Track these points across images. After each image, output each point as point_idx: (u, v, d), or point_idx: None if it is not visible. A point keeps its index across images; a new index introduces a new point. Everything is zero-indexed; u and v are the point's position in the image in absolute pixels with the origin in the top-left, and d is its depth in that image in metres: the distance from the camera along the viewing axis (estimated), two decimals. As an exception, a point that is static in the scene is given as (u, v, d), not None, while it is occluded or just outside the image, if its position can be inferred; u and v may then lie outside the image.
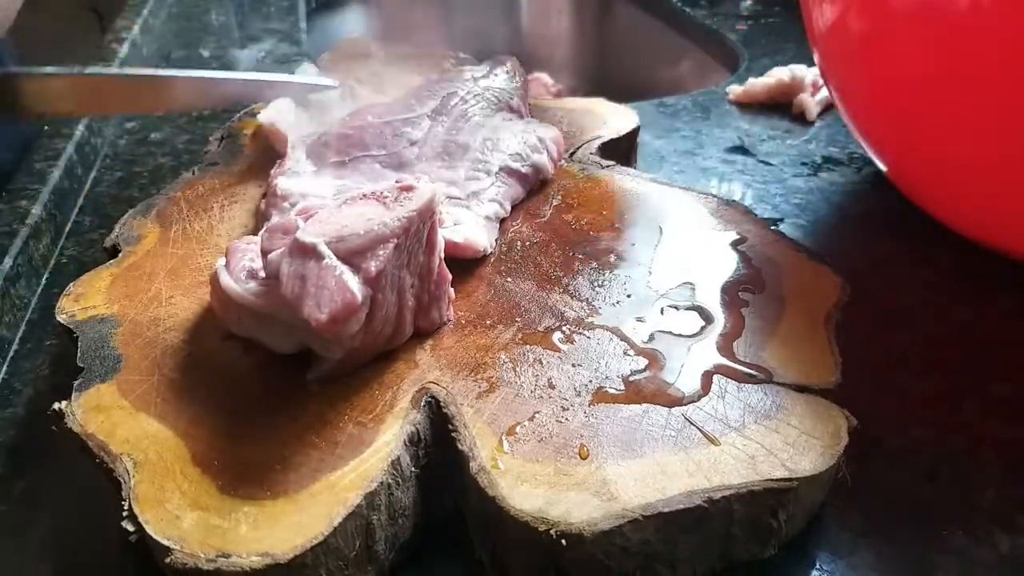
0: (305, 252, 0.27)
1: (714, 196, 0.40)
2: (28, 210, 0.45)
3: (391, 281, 0.29)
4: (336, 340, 0.27)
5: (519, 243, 0.37)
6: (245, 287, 0.29)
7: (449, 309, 0.32)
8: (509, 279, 0.35)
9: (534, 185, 0.41)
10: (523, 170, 0.40)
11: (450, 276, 0.32)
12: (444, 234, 0.33)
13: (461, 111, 0.42)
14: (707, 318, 0.32)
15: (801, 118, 0.58)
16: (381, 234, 0.28)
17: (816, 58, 0.46)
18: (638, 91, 0.88)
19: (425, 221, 0.29)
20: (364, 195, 0.30)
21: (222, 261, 0.31)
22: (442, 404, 0.28)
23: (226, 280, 0.30)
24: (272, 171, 0.40)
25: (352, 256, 0.27)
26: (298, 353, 0.30)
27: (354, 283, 0.27)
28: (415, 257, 0.30)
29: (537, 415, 0.28)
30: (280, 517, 0.24)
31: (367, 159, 0.39)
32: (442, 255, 0.31)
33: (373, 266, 0.27)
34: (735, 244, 0.37)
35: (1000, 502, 0.29)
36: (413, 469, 0.27)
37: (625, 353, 0.31)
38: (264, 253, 0.29)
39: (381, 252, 0.27)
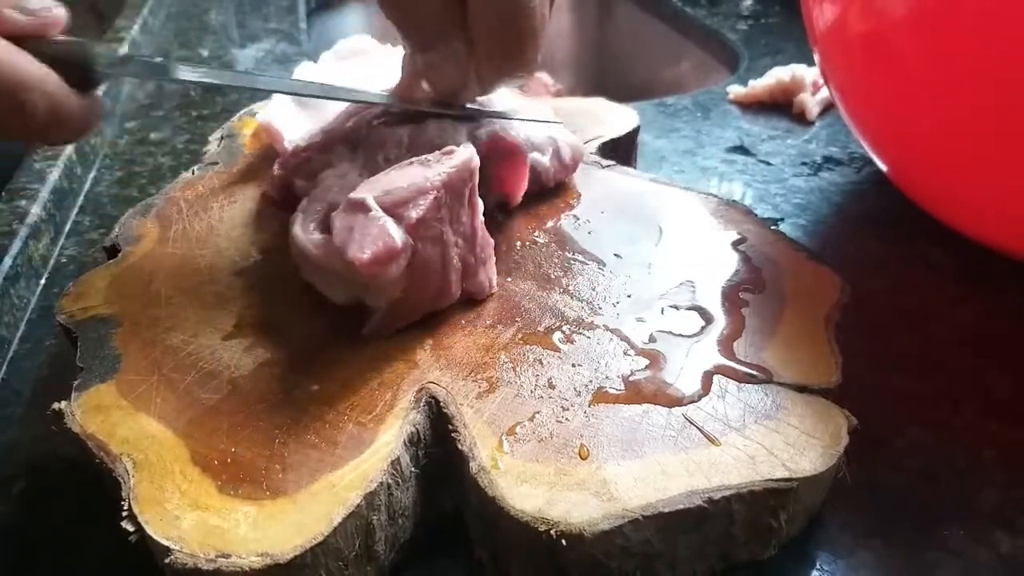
0: (355, 207, 0.30)
1: (714, 196, 0.40)
2: (27, 210, 0.46)
3: (433, 234, 0.31)
4: (379, 284, 0.30)
5: (519, 243, 0.37)
6: (310, 237, 0.32)
7: (494, 276, 0.34)
8: (509, 279, 0.35)
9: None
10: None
11: (492, 241, 0.34)
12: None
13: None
14: (707, 318, 0.32)
15: (801, 118, 0.58)
16: (422, 186, 0.30)
17: (816, 58, 0.46)
18: (638, 91, 0.88)
19: (465, 180, 0.31)
20: (411, 162, 0.32)
21: (302, 206, 0.34)
22: (442, 404, 0.28)
23: (295, 228, 0.32)
24: (275, 166, 0.39)
25: (396, 207, 0.30)
26: (298, 354, 0.30)
27: (395, 230, 0.29)
28: (457, 215, 0.32)
29: (537, 415, 0.28)
30: (280, 517, 0.24)
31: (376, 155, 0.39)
32: (482, 219, 0.33)
33: (414, 214, 0.30)
34: (735, 244, 0.37)
35: (1000, 502, 0.29)
36: (413, 469, 0.27)
37: (625, 353, 0.31)
38: (330, 211, 0.32)
39: (422, 202, 0.30)
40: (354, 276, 0.29)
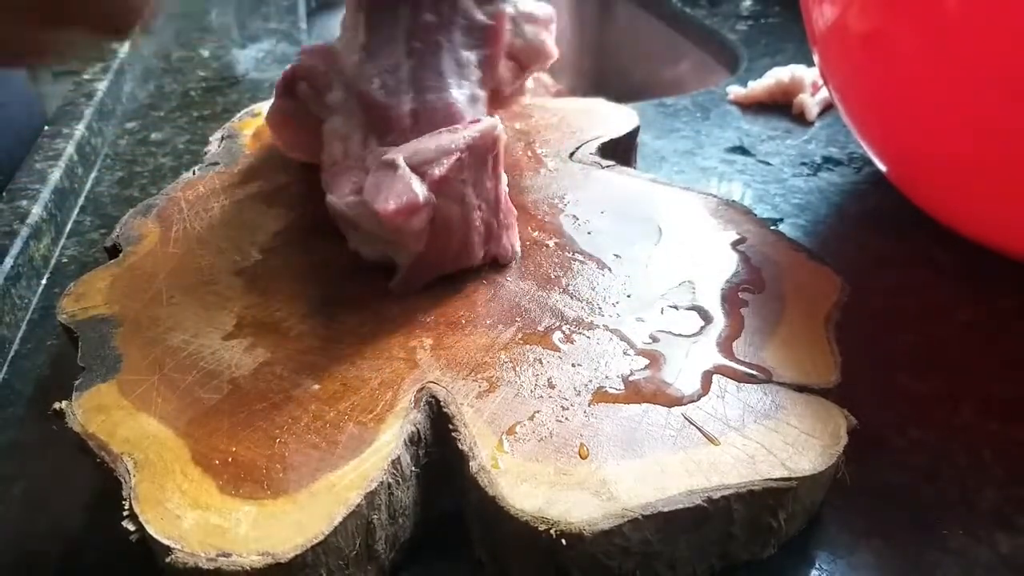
0: (386, 166, 0.32)
1: (714, 196, 0.40)
2: (28, 210, 0.46)
3: (455, 193, 0.33)
4: (403, 237, 0.32)
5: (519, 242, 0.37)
6: (344, 200, 0.34)
7: (517, 243, 0.36)
8: (509, 279, 0.35)
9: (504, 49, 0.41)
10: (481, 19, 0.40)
11: (515, 210, 0.36)
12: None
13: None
14: (707, 318, 0.32)
15: (801, 118, 0.58)
16: (447, 148, 0.33)
17: (816, 58, 0.46)
18: (638, 91, 0.88)
19: (489, 147, 0.33)
20: (440, 131, 0.34)
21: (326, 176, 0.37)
22: (442, 403, 0.28)
23: (329, 196, 0.35)
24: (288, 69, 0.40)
25: (421, 165, 0.32)
26: (298, 354, 0.30)
27: (419, 186, 0.32)
28: (480, 179, 0.34)
29: (537, 415, 0.28)
30: (280, 516, 0.24)
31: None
32: (506, 189, 0.35)
33: (437, 172, 0.32)
34: (735, 244, 0.37)
35: (1000, 502, 0.29)
36: (413, 468, 0.27)
37: (625, 353, 0.31)
38: (367, 174, 0.34)
39: (445, 161, 0.32)
40: (381, 228, 0.32)
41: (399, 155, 0.32)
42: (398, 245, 0.33)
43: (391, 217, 0.31)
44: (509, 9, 0.41)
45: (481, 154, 0.33)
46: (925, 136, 0.38)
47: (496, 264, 0.36)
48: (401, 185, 0.31)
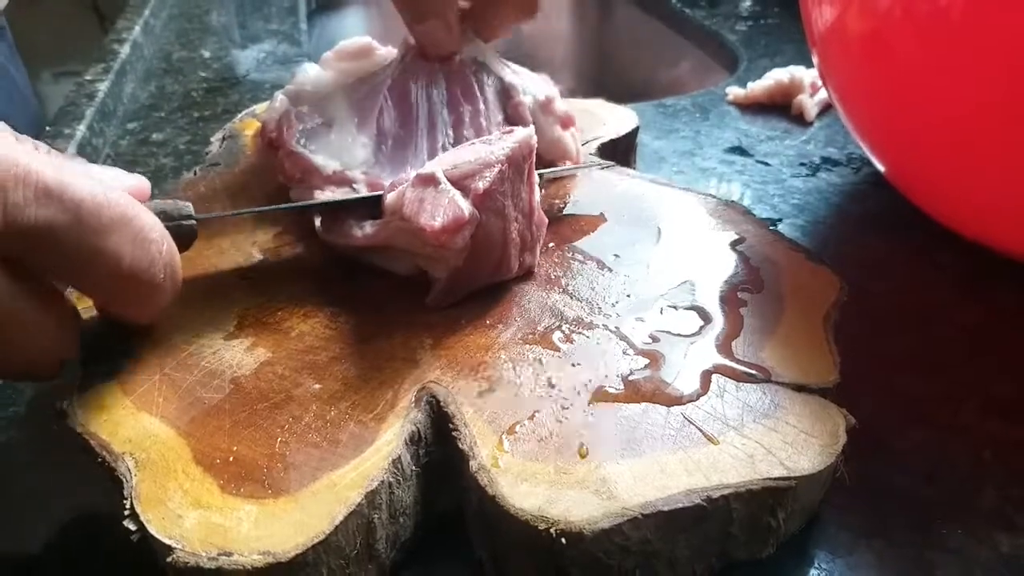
0: (425, 181, 0.32)
1: (713, 196, 0.40)
2: (29, 210, 0.45)
3: (496, 207, 0.32)
4: (446, 252, 0.31)
5: (519, 243, 0.37)
6: (364, 232, 0.34)
7: (538, 254, 0.36)
8: (509, 278, 0.35)
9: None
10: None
11: (546, 220, 0.35)
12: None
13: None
14: (706, 318, 0.32)
15: (800, 119, 0.58)
16: (488, 160, 0.32)
17: (815, 59, 0.46)
18: (638, 91, 0.88)
19: (525, 157, 0.33)
20: (472, 142, 0.35)
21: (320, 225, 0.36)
22: (442, 403, 0.28)
23: (341, 239, 0.35)
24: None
25: (464, 179, 0.32)
26: (300, 353, 0.30)
27: (463, 202, 0.31)
28: (518, 191, 0.33)
29: (537, 414, 0.28)
30: (281, 516, 0.24)
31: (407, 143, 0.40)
32: (539, 198, 0.35)
33: (481, 185, 0.32)
34: (734, 244, 0.37)
35: (1000, 502, 0.29)
36: (414, 468, 0.27)
37: (624, 353, 0.31)
38: (385, 195, 0.34)
39: (488, 174, 0.32)
40: (423, 244, 0.32)
41: (437, 168, 0.32)
42: (436, 260, 0.33)
43: (437, 235, 0.30)
44: (527, 99, 0.42)
45: (519, 164, 0.33)
46: (924, 137, 0.38)
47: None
48: (446, 201, 0.31)
